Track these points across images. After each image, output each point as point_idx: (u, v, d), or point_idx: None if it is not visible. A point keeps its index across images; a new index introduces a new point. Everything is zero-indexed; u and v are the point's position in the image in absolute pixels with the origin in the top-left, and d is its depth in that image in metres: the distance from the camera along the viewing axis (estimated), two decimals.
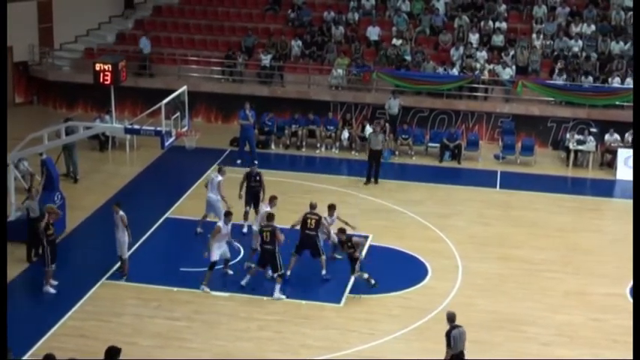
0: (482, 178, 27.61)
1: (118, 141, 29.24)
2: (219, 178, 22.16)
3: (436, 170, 28.48)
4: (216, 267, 19.80)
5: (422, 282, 20.48)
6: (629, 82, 29.97)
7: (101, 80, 21.15)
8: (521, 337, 18.28)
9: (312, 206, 20.61)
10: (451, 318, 15.42)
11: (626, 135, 28.80)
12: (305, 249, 20.42)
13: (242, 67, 32.64)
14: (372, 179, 26.77)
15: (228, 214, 20.00)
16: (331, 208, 21.32)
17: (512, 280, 20.80)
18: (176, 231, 23.14)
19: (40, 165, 22.66)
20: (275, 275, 19.46)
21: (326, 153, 29.70)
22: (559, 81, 30.70)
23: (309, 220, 20.24)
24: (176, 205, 24.63)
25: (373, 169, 26.85)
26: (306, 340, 17.74)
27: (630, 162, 27.67)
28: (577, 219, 24.76)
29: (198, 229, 22.40)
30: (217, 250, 19.64)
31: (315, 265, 20.54)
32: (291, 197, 25.20)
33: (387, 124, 29.62)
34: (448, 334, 15.22)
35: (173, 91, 22.30)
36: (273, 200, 21.07)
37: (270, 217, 19.80)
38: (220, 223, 19.74)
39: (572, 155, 28.79)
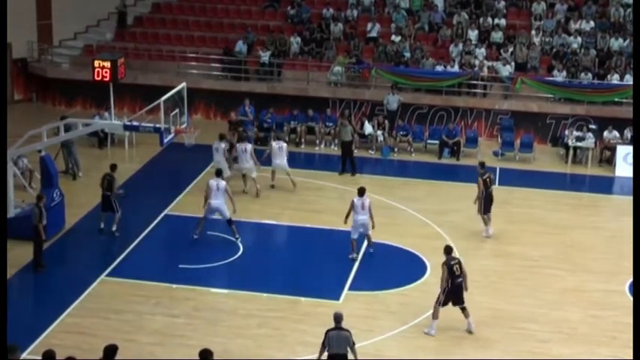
0: None
1: (117, 138, 29.26)
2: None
3: (435, 167, 28.49)
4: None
5: (421, 279, 20.46)
6: (628, 79, 29.98)
7: (100, 77, 21.17)
8: (519, 334, 18.26)
9: (449, 250, 18.09)
10: (337, 319, 15.21)
11: (625, 132, 28.81)
12: (452, 299, 17.91)
13: (241, 64, 32.62)
14: (349, 171, 26.96)
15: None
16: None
17: (510, 276, 20.81)
18: (175, 228, 23.13)
19: (39, 162, 22.66)
20: None
21: (325, 150, 29.70)
22: (558, 78, 30.71)
23: (454, 267, 17.76)
24: (175, 201, 24.65)
25: (347, 161, 27.08)
26: (305, 337, 17.72)
27: (629, 159, 27.69)
28: (575, 216, 24.76)
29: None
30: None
31: (312, 263, 20.54)
32: (291, 194, 25.23)
33: (385, 121, 29.64)
34: (326, 334, 15.12)
35: (172, 88, 22.29)
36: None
37: None
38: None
39: (571, 152, 28.79)
